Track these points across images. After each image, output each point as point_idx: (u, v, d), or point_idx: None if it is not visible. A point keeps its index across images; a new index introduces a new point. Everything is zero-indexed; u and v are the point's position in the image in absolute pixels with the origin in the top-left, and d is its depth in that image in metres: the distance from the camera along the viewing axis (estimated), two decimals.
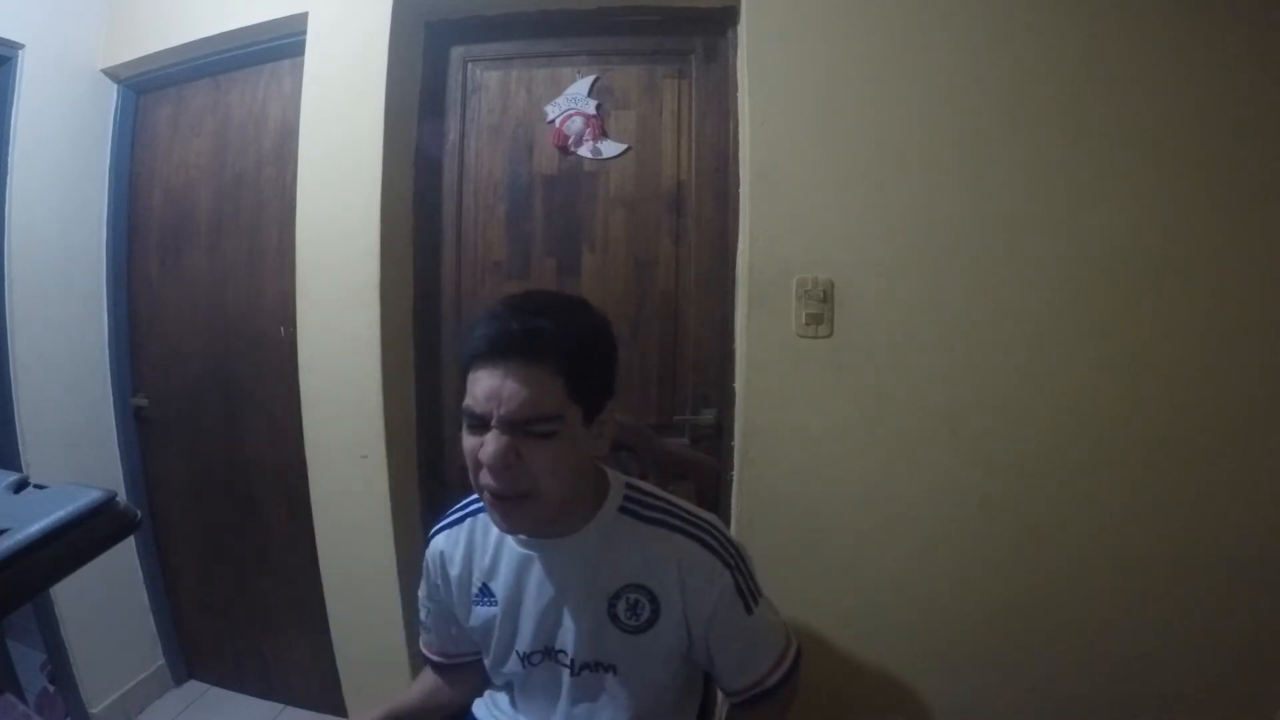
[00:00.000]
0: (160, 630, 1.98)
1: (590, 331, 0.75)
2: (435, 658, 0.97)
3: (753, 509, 1.42)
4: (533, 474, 0.71)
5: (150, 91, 1.89)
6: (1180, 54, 1.28)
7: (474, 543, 0.87)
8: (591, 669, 0.83)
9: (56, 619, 1.70)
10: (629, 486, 0.85)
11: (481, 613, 0.87)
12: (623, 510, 0.82)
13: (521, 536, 0.83)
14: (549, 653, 0.84)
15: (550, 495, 0.73)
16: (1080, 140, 1.31)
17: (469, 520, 0.89)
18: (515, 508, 0.73)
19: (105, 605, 1.83)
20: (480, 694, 0.97)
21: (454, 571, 0.89)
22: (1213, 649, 1.34)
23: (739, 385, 1.45)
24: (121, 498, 0.51)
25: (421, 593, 0.96)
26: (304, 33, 1.61)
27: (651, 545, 0.80)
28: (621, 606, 0.81)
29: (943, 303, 1.35)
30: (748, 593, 0.81)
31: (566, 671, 0.83)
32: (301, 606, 1.79)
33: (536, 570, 0.83)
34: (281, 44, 1.69)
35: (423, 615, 0.97)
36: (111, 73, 1.85)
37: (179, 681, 2.00)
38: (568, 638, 0.83)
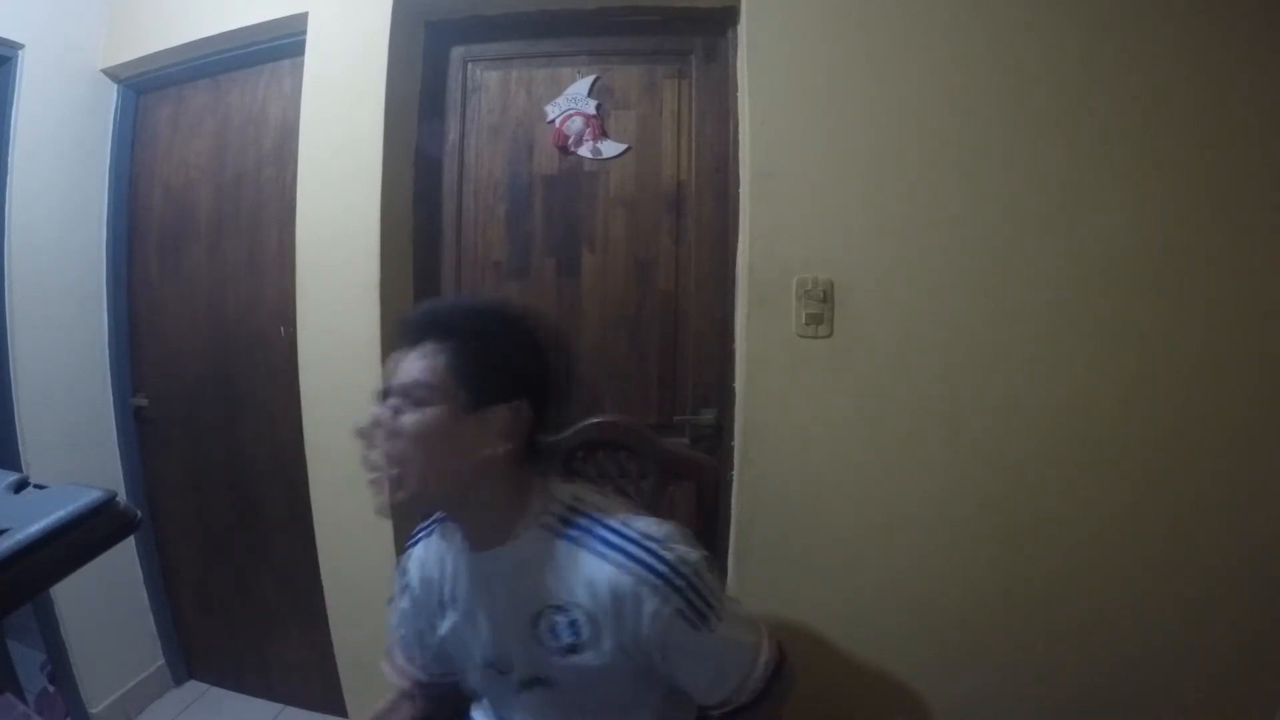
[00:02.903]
0: (160, 630, 1.98)
1: (491, 324, 0.77)
2: (421, 676, 0.93)
3: (753, 509, 1.42)
4: (402, 446, 0.71)
5: (150, 91, 1.89)
6: (1180, 53, 1.28)
7: (443, 549, 0.86)
8: (533, 684, 0.81)
9: (56, 619, 1.70)
10: (562, 503, 0.80)
11: (449, 620, 0.86)
12: (551, 528, 0.78)
13: (466, 545, 0.81)
14: (499, 665, 0.83)
15: (416, 469, 0.71)
16: (1080, 140, 1.31)
17: (437, 527, 0.89)
18: (387, 485, 0.73)
19: (105, 605, 1.83)
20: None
21: (428, 575, 0.87)
22: (1213, 649, 1.34)
23: (739, 385, 1.45)
24: (121, 498, 0.51)
25: (400, 606, 0.93)
26: (304, 33, 1.62)
27: (581, 568, 0.75)
28: (543, 627, 0.77)
29: (943, 303, 1.35)
30: (702, 613, 0.75)
31: (516, 687, 0.82)
32: (301, 606, 1.79)
33: (478, 580, 0.82)
34: (281, 44, 1.69)
35: (402, 633, 0.93)
36: (111, 73, 1.85)
37: (179, 681, 2.00)
38: (507, 653, 0.82)
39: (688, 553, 0.76)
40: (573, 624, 0.76)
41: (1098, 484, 1.34)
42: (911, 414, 1.37)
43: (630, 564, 0.74)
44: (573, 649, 0.77)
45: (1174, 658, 1.35)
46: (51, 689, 1.74)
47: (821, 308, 1.37)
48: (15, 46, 1.65)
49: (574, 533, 0.77)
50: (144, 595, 1.95)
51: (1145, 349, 1.31)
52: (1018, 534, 1.36)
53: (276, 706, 1.92)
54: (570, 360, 0.83)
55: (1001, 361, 1.34)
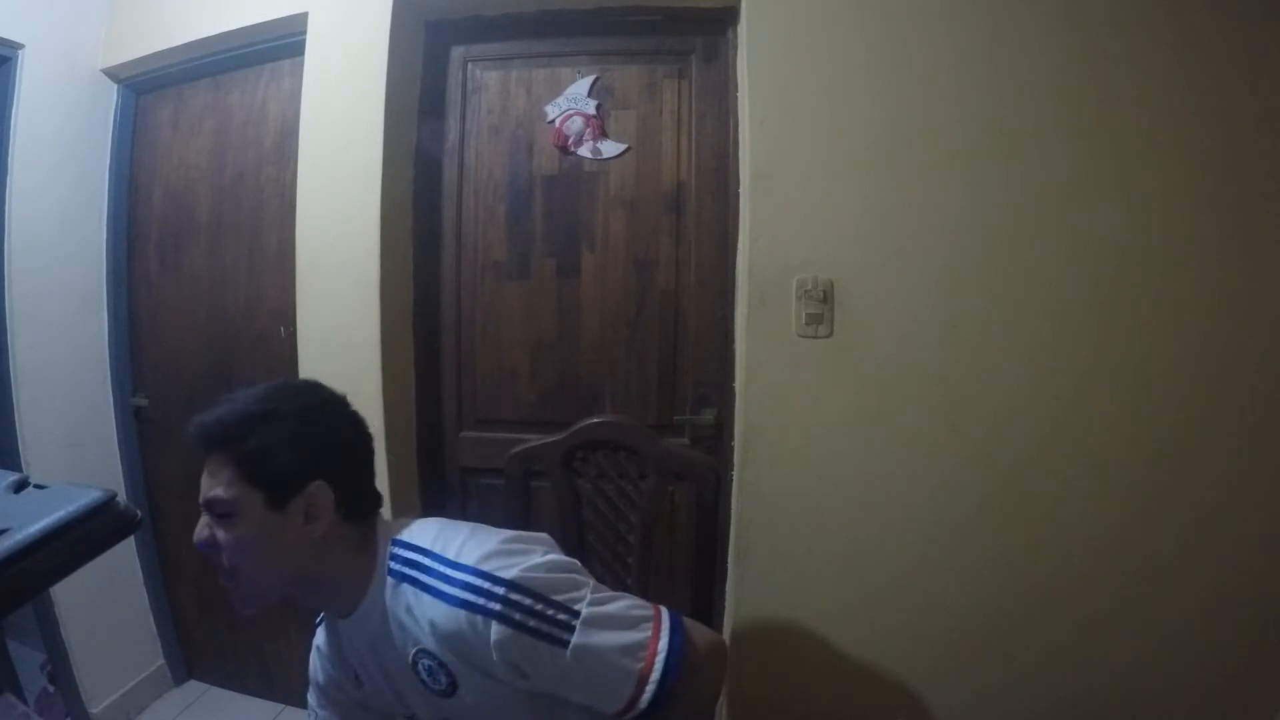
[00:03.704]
0: (160, 630, 1.98)
1: (270, 417, 0.75)
2: None
3: (753, 509, 1.42)
4: (227, 560, 0.73)
5: (150, 91, 1.89)
6: (1181, 54, 1.28)
7: (336, 631, 0.86)
8: None
9: (56, 619, 1.70)
10: (394, 543, 0.79)
11: (367, 693, 0.87)
12: (395, 573, 0.78)
13: (335, 618, 0.82)
14: (414, 718, 0.85)
15: (249, 576, 0.74)
16: (1080, 140, 1.31)
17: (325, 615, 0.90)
18: (231, 588, 0.75)
19: (105, 605, 1.83)
20: None
21: (335, 655, 0.88)
22: (1212, 649, 1.34)
23: (739, 385, 1.45)
24: (121, 498, 0.51)
25: (313, 701, 0.92)
26: (304, 33, 1.62)
27: (418, 610, 0.74)
28: (422, 671, 0.77)
29: (943, 303, 1.35)
30: (546, 628, 0.70)
31: None
32: (301, 606, 1.79)
33: (360, 645, 0.82)
34: (281, 44, 1.69)
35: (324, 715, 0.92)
36: (111, 73, 1.85)
37: (179, 681, 2.00)
38: (410, 704, 0.83)
39: (525, 563, 0.73)
40: (442, 666, 0.75)
41: (1097, 484, 1.34)
42: (911, 414, 1.37)
43: (462, 594, 0.71)
44: (452, 689, 0.76)
45: (1174, 658, 1.35)
46: (51, 689, 1.74)
47: (821, 308, 1.37)
48: (15, 46, 1.65)
49: (411, 571, 0.76)
50: (144, 595, 1.95)
51: (1145, 349, 1.31)
52: (1017, 534, 1.36)
53: (276, 706, 1.92)
54: (358, 422, 0.81)
55: (1001, 362, 1.34)
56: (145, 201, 1.90)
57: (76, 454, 1.80)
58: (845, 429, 1.39)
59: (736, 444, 1.45)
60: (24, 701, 1.67)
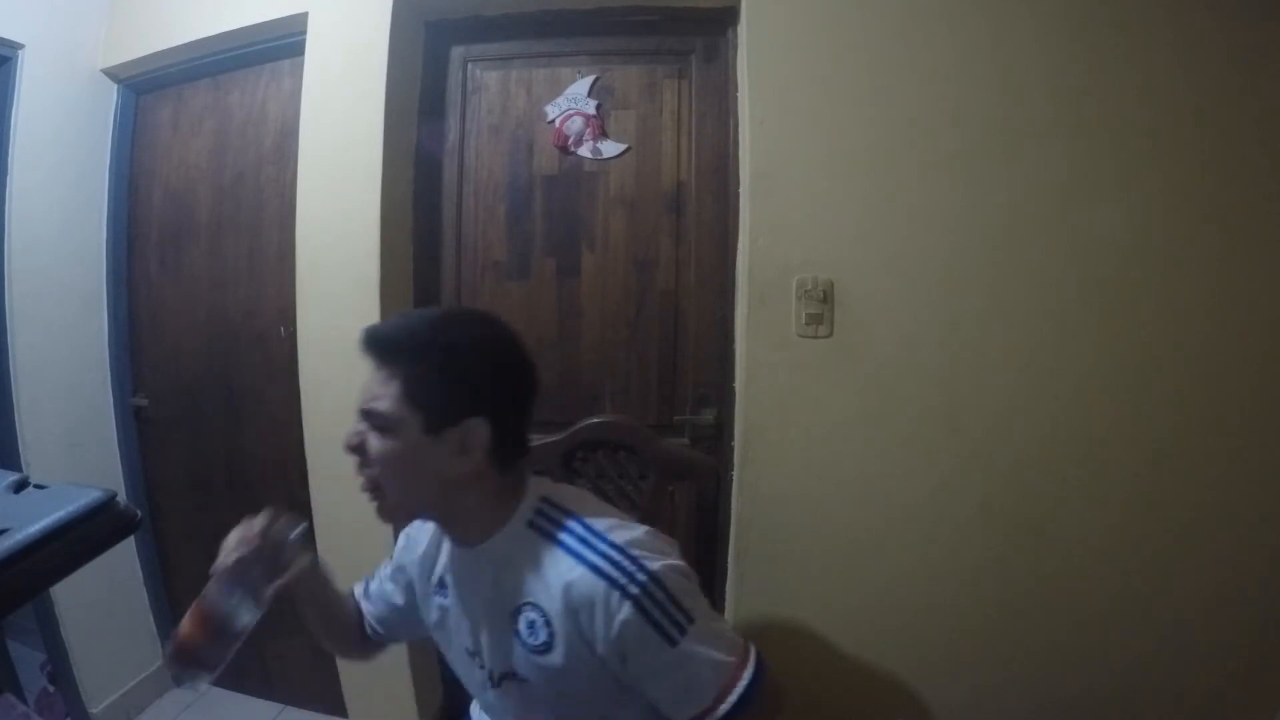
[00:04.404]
0: (160, 630, 1.98)
1: (444, 343, 0.76)
2: (370, 619, 1.00)
3: (753, 509, 1.42)
4: (375, 468, 0.75)
5: (150, 91, 1.89)
6: (1181, 53, 1.28)
7: (440, 537, 0.89)
8: (508, 680, 0.82)
9: (56, 619, 1.70)
10: (544, 500, 0.81)
11: (436, 603, 0.88)
12: (534, 525, 0.79)
13: (450, 541, 0.84)
14: (479, 658, 0.85)
15: (392, 494, 0.76)
16: (1080, 141, 1.31)
17: None
18: (373, 499, 0.78)
19: (105, 605, 1.83)
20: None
21: (427, 553, 0.90)
22: (1213, 649, 1.34)
23: (739, 385, 1.45)
24: (121, 498, 0.51)
25: (385, 572, 0.98)
26: (304, 33, 1.61)
27: (549, 566, 0.76)
28: (522, 623, 0.78)
29: (943, 303, 1.35)
30: (666, 624, 0.73)
31: (490, 679, 0.84)
32: None
33: (465, 572, 0.84)
34: (281, 44, 1.69)
35: (371, 584, 1.00)
36: (111, 73, 1.85)
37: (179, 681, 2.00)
38: (483, 646, 0.83)
39: (665, 561, 0.76)
40: (548, 624, 0.77)
41: (1097, 484, 1.34)
42: (911, 414, 1.37)
43: (607, 568, 0.74)
44: (545, 648, 0.77)
45: (1174, 658, 1.35)
46: (51, 689, 1.74)
47: (821, 308, 1.37)
48: (15, 46, 1.65)
49: (555, 531, 0.78)
50: (144, 595, 1.95)
51: (1145, 349, 1.31)
52: (1017, 534, 1.36)
53: (276, 706, 1.92)
54: (529, 366, 0.82)
55: (1001, 362, 1.34)
56: (145, 201, 1.90)
57: (76, 454, 1.80)
58: (845, 429, 1.39)
59: (736, 444, 1.45)
60: (24, 701, 1.67)
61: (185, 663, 0.75)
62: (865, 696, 1.43)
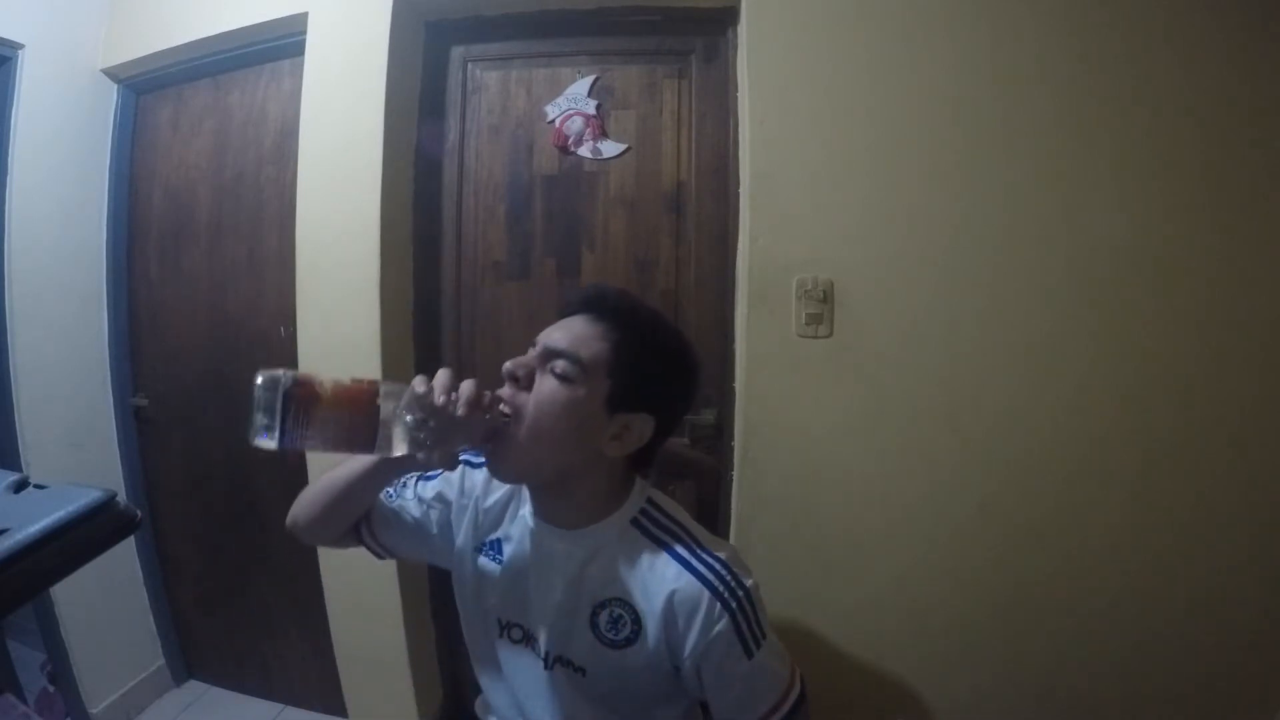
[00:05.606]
0: (160, 630, 1.98)
1: (663, 338, 0.79)
2: (375, 524, 0.93)
3: (753, 509, 1.42)
4: (526, 405, 0.73)
5: (150, 91, 1.89)
6: (1180, 53, 1.28)
7: (508, 497, 0.87)
8: (562, 665, 0.82)
9: (56, 619, 1.70)
10: (650, 502, 0.83)
11: (484, 564, 0.87)
12: (639, 525, 0.81)
13: (535, 513, 0.82)
14: (527, 637, 0.84)
15: (531, 439, 0.72)
16: (1080, 140, 1.31)
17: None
18: (493, 451, 0.74)
19: (105, 605, 1.83)
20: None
21: (479, 503, 0.88)
22: (1213, 649, 1.34)
23: (739, 385, 1.45)
24: (121, 498, 0.51)
25: (427, 493, 0.91)
26: (304, 33, 1.61)
27: (651, 568, 0.78)
28: (604, 617, 0.79)
29: (943, 303, 1.35)
30: (749, 637, 0.77)
31: (541, 663, 0.83)
32: (301, 606, 1.79)
33: (539, 550, 0.83)
34: (281, 44, 1.69)
35: (393, 500, 0.92)
36: (111, 73, 1.85)
37: (179, 681, 2.00)
38: (545, 627, 0.82)
39: (753, 579, 0.79)
40: (636, 621, 0.78)
41: (1097, 484, 1.34)
42: (911, 414, 1.37)
43: (712, 579, 0.76)
44: (625, 643, 0.79)
45: (1174, 658, 1.35)
46: (51, 689, 1.74)
47: (821, 308, 1.37)
48: (15, 46, 1.65)
49: (662, 535, 0.80)
50: (144, 595, 1.95)
51: (1145, 349, 1.31)
52: (1017, 534, 1.36)
53: (276, 706, 1.92)
54: (697, 394, 0.84)
55: (1001, 361, 1.34)
56: (145, 201, 1.90)
57: (76, 454, 1.80)
58: (845, 429, 1.39)
59: (736, 444, 1.45)
60: (24, 701, 1.67)
61: (288, 407, 0.63)
62: (865, 696, 1.43)
